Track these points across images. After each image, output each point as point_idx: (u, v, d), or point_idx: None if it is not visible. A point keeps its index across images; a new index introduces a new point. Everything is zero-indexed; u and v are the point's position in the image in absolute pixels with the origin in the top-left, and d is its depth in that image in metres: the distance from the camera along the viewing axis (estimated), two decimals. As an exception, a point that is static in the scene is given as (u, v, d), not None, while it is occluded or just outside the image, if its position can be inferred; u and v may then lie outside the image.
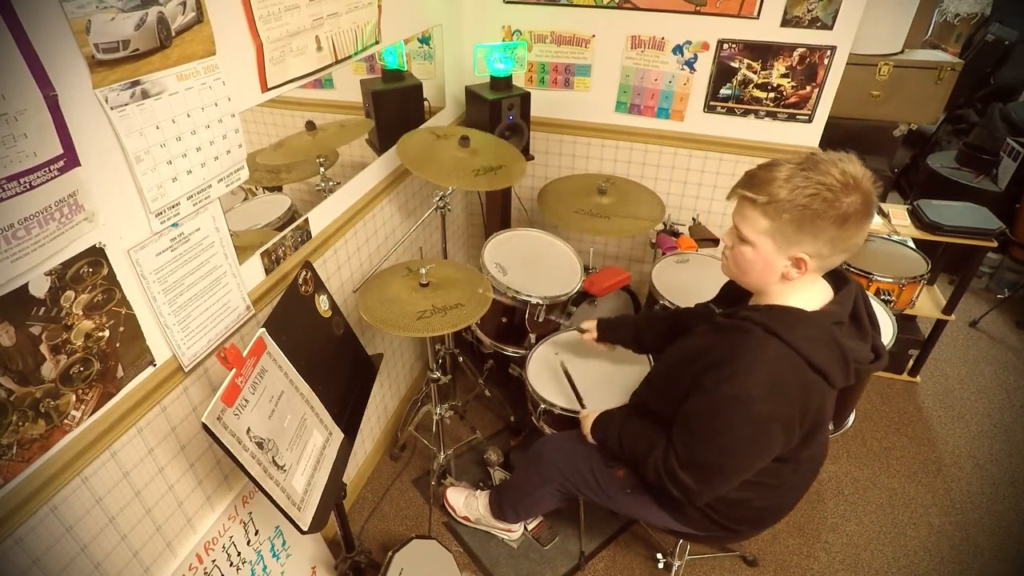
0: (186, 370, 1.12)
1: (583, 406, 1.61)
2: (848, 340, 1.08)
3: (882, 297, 2.15)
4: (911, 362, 2.59)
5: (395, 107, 1.91)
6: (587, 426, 1.45)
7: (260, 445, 1.03)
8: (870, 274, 2.16)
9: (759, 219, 1.06)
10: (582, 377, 1.71)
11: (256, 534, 1.41)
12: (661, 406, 1.27)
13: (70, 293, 0.88)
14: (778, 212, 1.03)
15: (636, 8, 2.04)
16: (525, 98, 2.07)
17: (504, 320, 1.92)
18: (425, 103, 2.08)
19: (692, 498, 1.18)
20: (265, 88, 1.21)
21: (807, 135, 2.10)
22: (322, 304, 1.34)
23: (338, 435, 1.30)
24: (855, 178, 1.00)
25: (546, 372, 1.77)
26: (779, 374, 1.04)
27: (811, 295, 1.12)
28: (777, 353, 1.04)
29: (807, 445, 1.18)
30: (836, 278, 1.16)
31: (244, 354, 1.02)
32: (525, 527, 1.91)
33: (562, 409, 1.64)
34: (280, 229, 1.39)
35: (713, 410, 1.10)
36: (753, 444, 1.09)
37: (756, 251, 1.09)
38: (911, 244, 2.38)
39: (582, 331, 1.71)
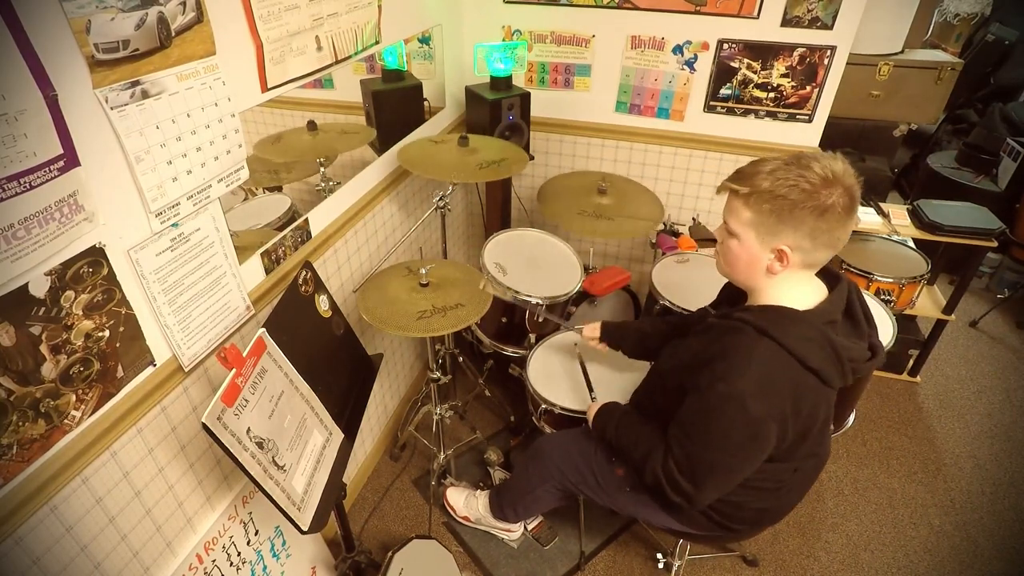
0: (186, 370, 1.12)
1: (593, 398, 1.62)
2: (842, 338, 1.09)
3: (882, 297, 2.15)
4: (911, 362, 2.59)
5: (395, 107, 1.91)
6: (590, 414, 1.48)
7: (260, 445, 1.03)
8: (870, 274, 2.15)
9: (743, 210, 1.10)
10: (593, 372, 1.72)
11: (256, 534, 1.41)
12: (659, 404, 1.28)
13: (70, 293, 0.88)
14: (759, 202, 1.07)
15: (636, 8, 2.04)
16: (525, 98, 2.07)
17: (504, 320, 1.92)
18: (425, 103, 2.08)
19: (693, 503, 1.19)
20: (265, 88, 1.21)
21: (807, 135, 2.10)
22: (322, 304, 1.34)
23: (338, 435, 1.30)
24: (836, 174, 1.03)
25: (547, 371, 1.77)
26: (770, 372, 1.06)
27: (804, 294, 1.13)
28: (769, 352, 1.06)
29: (804, 444, 1.18)
30: (829, 276, 1.18)
31: (244, 354, 1.02)
32: (525, 527, 1.91)
33: (562, 409, 1.64)
34: (280, 229, 1.39)
35: (708, 409, 1.11)
36: (749, 442, 1.10)
37: (741, 244, 1.12)
38: (911, 244, 2.38)
39: (580, 332, 1.69)
